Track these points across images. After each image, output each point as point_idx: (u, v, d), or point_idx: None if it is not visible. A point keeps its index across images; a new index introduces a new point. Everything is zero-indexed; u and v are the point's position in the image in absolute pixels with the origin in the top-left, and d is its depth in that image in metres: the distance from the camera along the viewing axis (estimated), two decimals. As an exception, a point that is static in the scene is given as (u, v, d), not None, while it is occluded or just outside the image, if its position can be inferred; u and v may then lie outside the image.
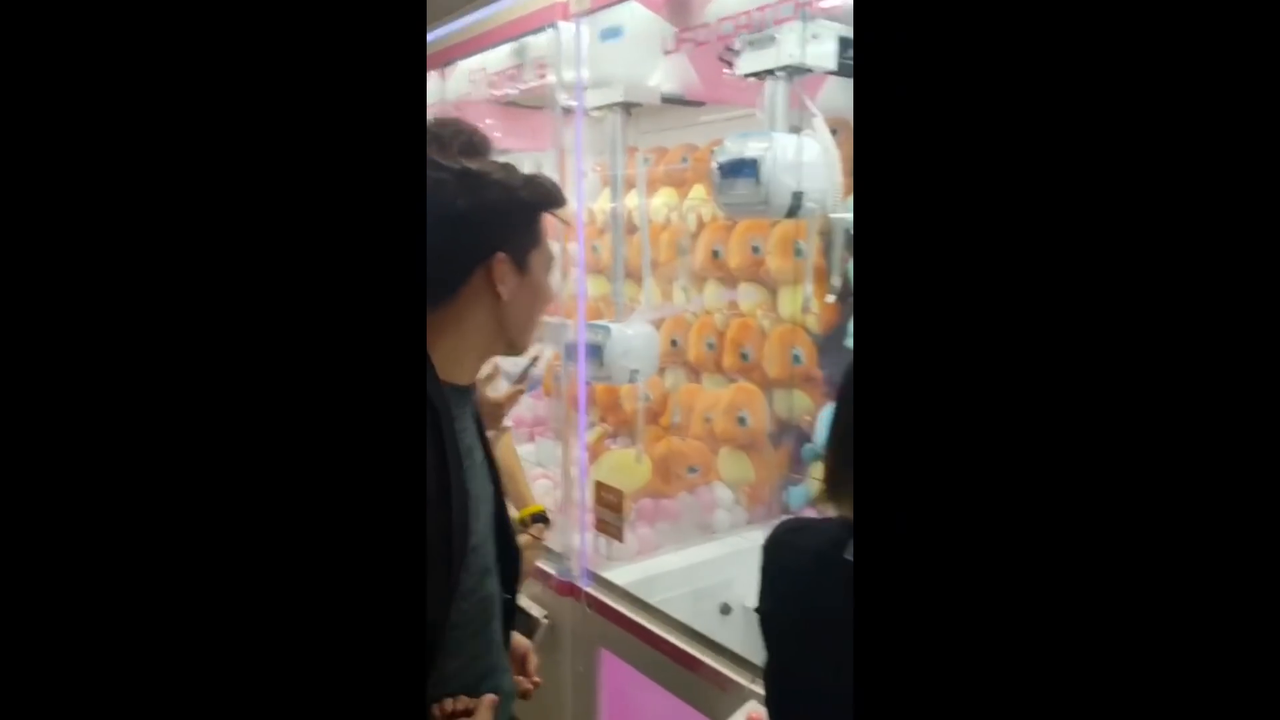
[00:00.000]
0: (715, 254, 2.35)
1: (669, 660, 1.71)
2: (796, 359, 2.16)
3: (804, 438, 2.21)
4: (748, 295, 2.30)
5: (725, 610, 2.01)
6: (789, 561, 1.01)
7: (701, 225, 2.40)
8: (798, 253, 2.16)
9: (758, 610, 1.04)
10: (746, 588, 2.06)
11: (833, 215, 1.96)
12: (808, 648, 0.97)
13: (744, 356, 2.24)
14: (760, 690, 1.46)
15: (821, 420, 2.13)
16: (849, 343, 2.20)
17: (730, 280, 2.35)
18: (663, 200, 2.52)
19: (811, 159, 1.65)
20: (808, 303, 2.15)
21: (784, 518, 2.14)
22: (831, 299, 1.99)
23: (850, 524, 0.99)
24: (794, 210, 1.65)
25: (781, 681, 1.03)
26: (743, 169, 1.65)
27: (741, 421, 2.14)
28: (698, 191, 2.48)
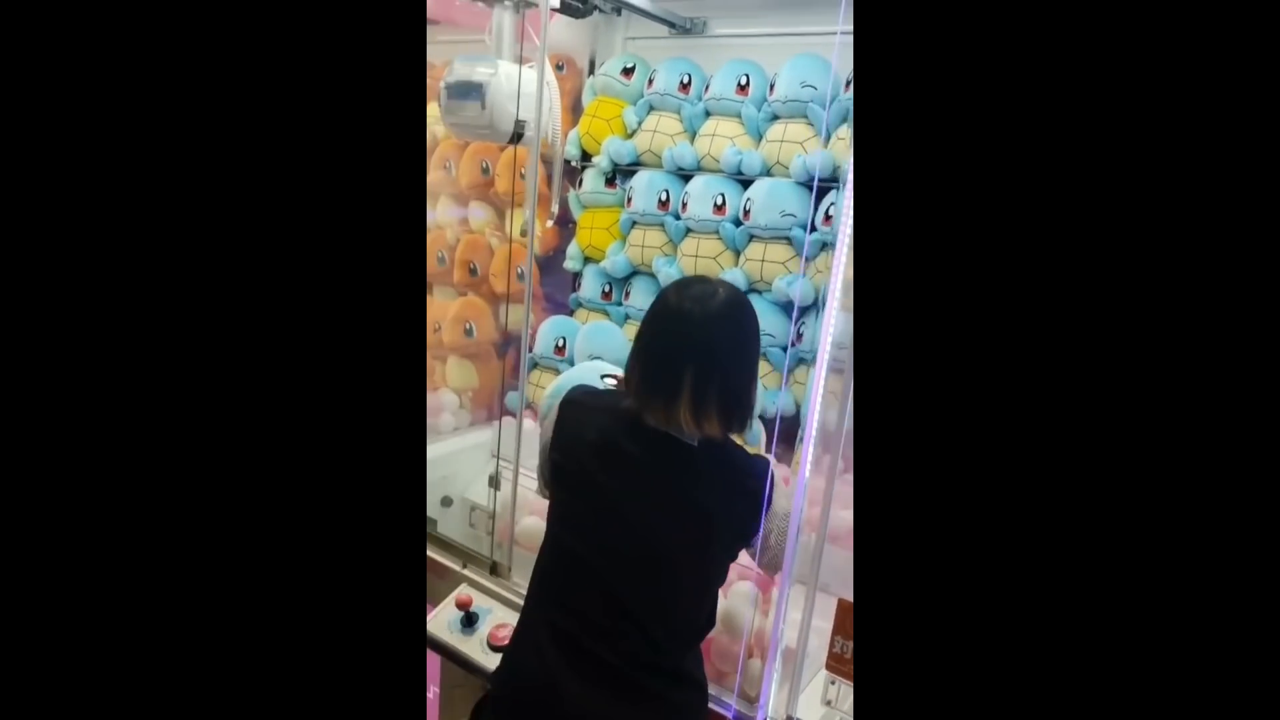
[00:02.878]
0: (446, 169, 2.24)
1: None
2: (521, 276, 2.15)
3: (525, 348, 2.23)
4: (477, 214, 2.24)
5: (446, 503, 2.01)
6: (581, 415, 1.09)
7: (436, 142, 2.27)
8: (523, 177, 2.12)
9: (551, 455, 1.10)
10: (466, 482, 2.06)
11: (554, 147, 1.93)
12: (588, 484, 1.05)
13: (472, 271, 2.19)
14: (470, 575, 1.49)
15: (541, 333, 2.15)
16: (567, 264, 2.22)
17: (462, 198, 2.27)
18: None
19: (533, 90, 1.61)
20: (528, 225, 2.13)
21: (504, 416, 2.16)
22: (550, 224, 1.98)
23: (633, 401, 1.06)
24: (517, 137, 1.61)
25: (569, 513, 1.10)
26: (470, 92, 1.58)
27: (468, 332, 2.10)
28: (431, 110, 2.33)
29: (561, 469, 1.07)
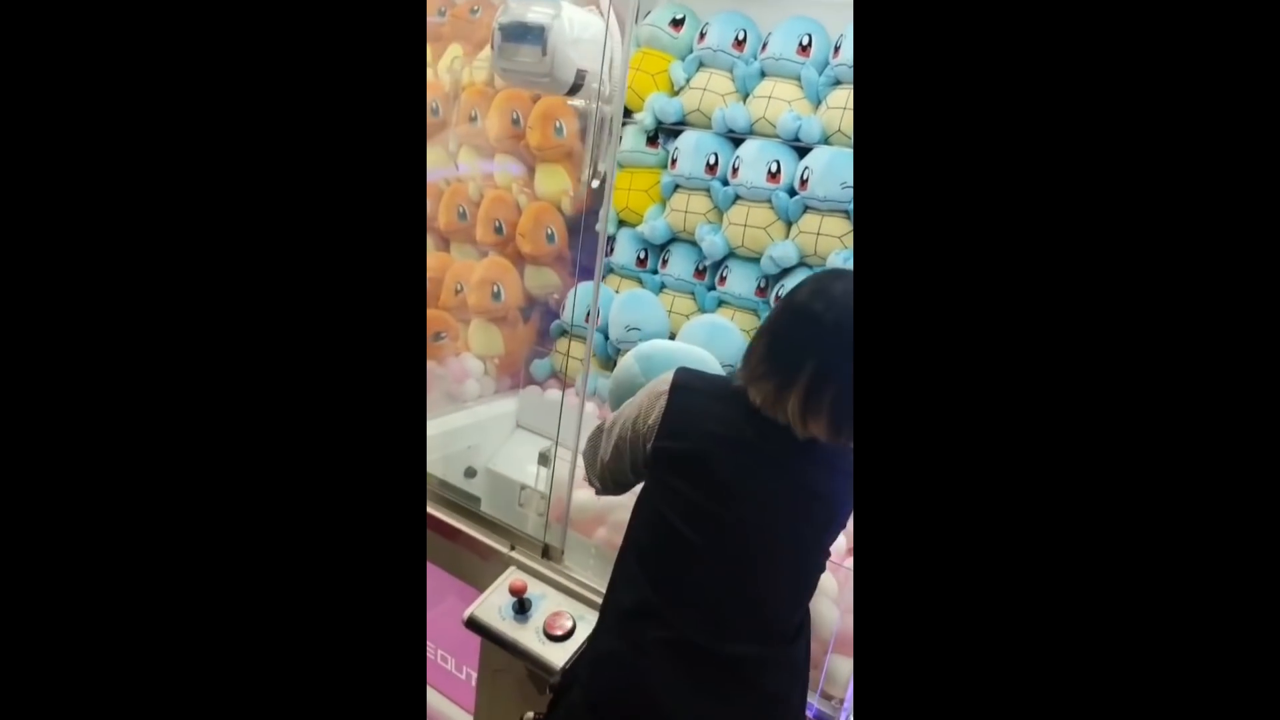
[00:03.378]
0: (472, 119, 2.08)
1: (430, 531, 1.57)
2: (551, 238, 2.02)
3: (552, 314, 2.11)
4: (505, 168, 2.09)
5: (470, 474, 1.90)
6: (697, 401, 1.01)
7: (459, 88, 2.10)
8: (558, 131, 1.97)
9: (658, 442, 1.00)
10: (490, 453, 1.95)
11: (614, 100, 1.78)
12: (704, 475, 0.97)
13: (498, 230, 2.05)
14: (519, 558, 1.38)
15: (570, 298, 2.03)
16: (599, 226, 2.09)
17: (487, 150, 2.11)
18: (418, 55, 2.17)
19: (596, 36, 1.47)
20: (568, 184, 1.99)
21: (531, 385, 2.05)
22: (596, 184, 1.85)
23: (743, 376, 0.99)
24: (577, 88, 1.47)
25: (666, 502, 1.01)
26: (527, 35, 1.43)
27: (496, 295, 1.97)
28: (455, 50, 2.16)
29: (670, 454, 0.98)
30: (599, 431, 1.14)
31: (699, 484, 0.96)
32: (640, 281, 2.05)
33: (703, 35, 1.92)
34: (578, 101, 1.86)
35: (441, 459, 1.82)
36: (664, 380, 1.03)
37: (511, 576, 1.32)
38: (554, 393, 2.00)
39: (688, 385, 1.01)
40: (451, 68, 2.15)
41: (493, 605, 1.29)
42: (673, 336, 1.92)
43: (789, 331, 0.96)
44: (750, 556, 0.96)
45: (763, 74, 1.87)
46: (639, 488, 1.07)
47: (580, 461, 1.34)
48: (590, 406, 1.84)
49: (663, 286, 2.02)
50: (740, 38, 1.88)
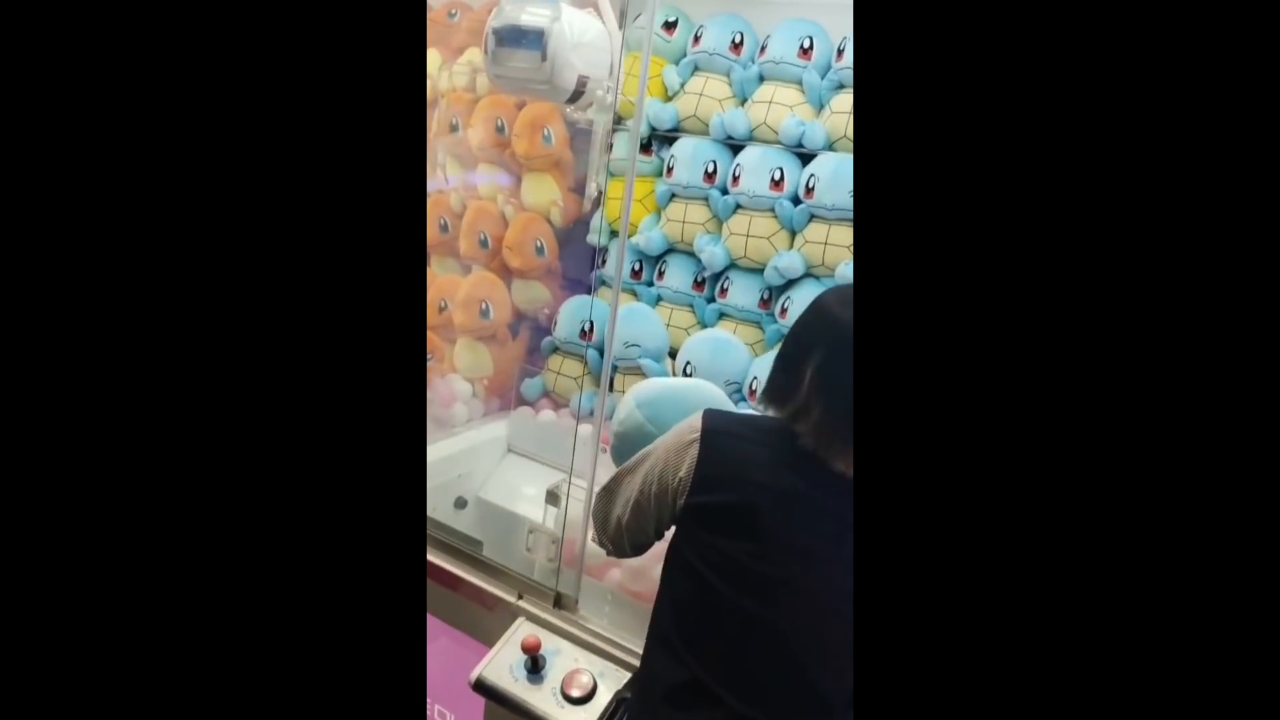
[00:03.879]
0: (453, 128, 1.94)
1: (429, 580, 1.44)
2: (540, 250, 1.89)
3: (543, 330, 1.98)
4: (488, 179, 1.95)
5: (460, 504, 1.76)
6: (740, 448, 0.90)
7: (436, 95, 1.96)
8: (546, 139, 1.85)
9: (688, 501, 0.89)
10: (481, 480, 1.82)
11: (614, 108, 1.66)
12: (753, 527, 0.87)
13: (483, 243, 1.92)
14: (528, 607, 1.26)
15: (563, 315, 1.90)
16: (591, 238, 1.97)
17: (469, 160, 1.97)
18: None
19: (596, 41, 1.35)
20: (557, 193, 1.87)
21: (536, 408, 1.92)
22: (598, 193, 1.73)
23: (812, 439, 0.88)
24: (577, 95, 1.34)
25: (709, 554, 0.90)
26: (523, 39, 1.30)
27: (484, 313, 1.84)
28: (433, 55, 2.02)
29: (709, 509, 0.87)
30: (611, 489, 1.02)
31: (745, 541, 0.85)
32: (635, 294, 1.94)
33: (697, 38, 1.81)
34: (572, 108, 1.74)
35: (431, 490, 1.69)
36: (691, 427, 0.91)
37: (522, 630, 1.20)
38: (547, 414, 1.88)
39: (722, 430, 0.90)
40: (430, 74, 2.01)
41: (503, 664, 1.17)
42: (673, 353, 1.81)
43: (848, 373, 0.85)
44: (804, 619, 0.86)
45: (761, 78, 1.76)
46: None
47: (580, 496, 1.22)
48: (587, 429, 1.73)
49: (659, 299, 1.91)
50: (737, 40, 1.78)
